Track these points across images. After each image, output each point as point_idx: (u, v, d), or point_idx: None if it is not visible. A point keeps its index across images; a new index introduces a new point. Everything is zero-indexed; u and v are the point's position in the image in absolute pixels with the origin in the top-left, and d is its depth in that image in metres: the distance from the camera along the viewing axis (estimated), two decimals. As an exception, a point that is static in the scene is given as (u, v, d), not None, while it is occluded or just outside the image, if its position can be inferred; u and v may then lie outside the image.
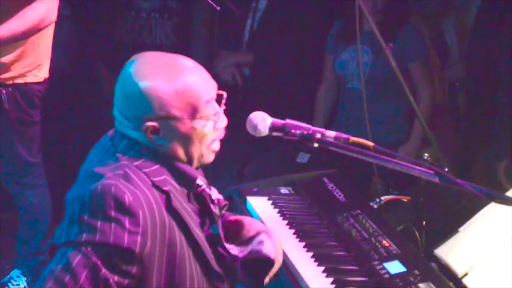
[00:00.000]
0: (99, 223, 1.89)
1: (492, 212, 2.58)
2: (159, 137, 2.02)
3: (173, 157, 2.06)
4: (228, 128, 2.17)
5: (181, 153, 2.06)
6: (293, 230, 2.78)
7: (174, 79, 2.01)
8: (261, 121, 2.17)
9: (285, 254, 2.60)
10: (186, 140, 2.05)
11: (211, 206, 2.15)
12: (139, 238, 1.90)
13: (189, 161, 2.10)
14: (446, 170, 2.99)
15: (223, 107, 2.13)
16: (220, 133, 2.14)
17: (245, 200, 2.97)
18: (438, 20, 4.61)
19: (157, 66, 2.03)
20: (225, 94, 2.13)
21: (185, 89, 2.01)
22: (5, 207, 4.80)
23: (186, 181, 2.08)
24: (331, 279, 2.44)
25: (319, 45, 4.41)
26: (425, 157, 2.86)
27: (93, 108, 5.21)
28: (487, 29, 4.19)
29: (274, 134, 2.18)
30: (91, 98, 5.22)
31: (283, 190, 3.14)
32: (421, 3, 4.58)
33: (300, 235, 2.74)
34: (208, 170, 2.21)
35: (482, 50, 4.20)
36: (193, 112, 2.03)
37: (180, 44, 4.72)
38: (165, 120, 2.01)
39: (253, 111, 2.20)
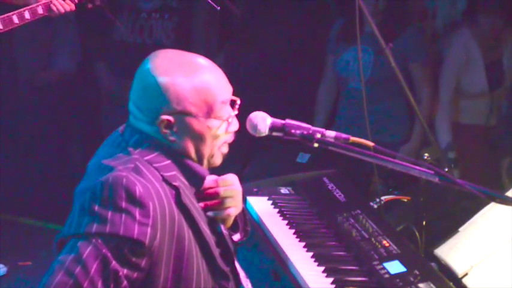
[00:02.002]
0: (109, 213, 1.89)
1: (492, 212, 2.58)
2: (172, 131, 2.03)
3: (184, 154, 2.06)
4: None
5: (192, 151, 2.07)
6: (293, 230, 2.78)
7: (193, 76, 2.02)
8: (261, 121, 2.17)
9: (285, 254, 2.61)
10: (199, 139, 2.05)
11: None
12: (149, 230, 1.91)
13: (199, 161, 2.10)
14: (446, 170, 2.99)
15: (236, 112, 2.14)
16: (231, 137, 2.14)
17: (245, 200, 2.97)
18: (499, 40, 4.34)
19: (177, 62, 2.05)
20: (238, 100, 2.13)
21: (203, 87, 2.03)
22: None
23: (195, 179, 2.08)
24: (331, 279, 2.44)
25: (318, 44, 4.40)
26: (425, 157, 2.86)
27: (94, 108, 5.22)
28: None
29: (274, 134, 2.18)
30: (91, 98, 5.23)
31: (283, 190, 3.14)
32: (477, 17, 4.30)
33: (300, 235, 2.74)
34: (209, 171, 2.20)
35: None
36: (209, 111, 2.04)
37: (180, 44, 4.72)
38: (180, 116, 2.01)
39: (250, 112, 2.20)
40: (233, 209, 2.18)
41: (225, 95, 2.08)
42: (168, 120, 2.01)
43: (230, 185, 2.18)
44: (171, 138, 2.03)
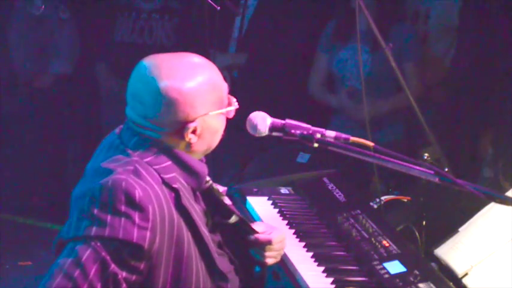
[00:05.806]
0: (109, 217, 1.89)
1: (492, 212, 2.58)
2: (195, 135, 2.04)
3: (191, 152, 2.07)
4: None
5: (204, 147, 2.09)
6: (293, 230, 2.78)
7: (204, 76, 2.03)
8: (261, 121, 2.17)
9: (284, 254, 2.60)
10: (215, 132, 2.09)
11: (222, 198, 2.16)
12: (148, 233, 1.91)
13: (206, 154, 2.13)
14: (446, 170, 2.99)
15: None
16: None
17: (245, 200, 2.97)
18: None
19: (182, 67, 2.02)
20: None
21: (214, 82, 2.06)
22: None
23: (195, 178, 2.08)
24: (331, 279, 2.44)
25: (313, 43, 4.40)
26: (425, 157, 2.86)
27: (94, 109, 5.23)
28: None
29: (274, 134, 2.18)
30: (91, 99, 5.23)
31: (283, 190, 3.14)
32: None
33: (300, 235, 2.74)
34: (209, 170, 2.20)
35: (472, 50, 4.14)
36: (222, 102, 2.08)
37: (181, 44, 4.72)
38: (203, 118, 2.03)
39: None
40: (272, 260, 2.32)
41: (225, 84, 2.11)
42: (194, 127, 2.02)
43: (281, 241, 2.33)
44: (193, 141, 2.04)
